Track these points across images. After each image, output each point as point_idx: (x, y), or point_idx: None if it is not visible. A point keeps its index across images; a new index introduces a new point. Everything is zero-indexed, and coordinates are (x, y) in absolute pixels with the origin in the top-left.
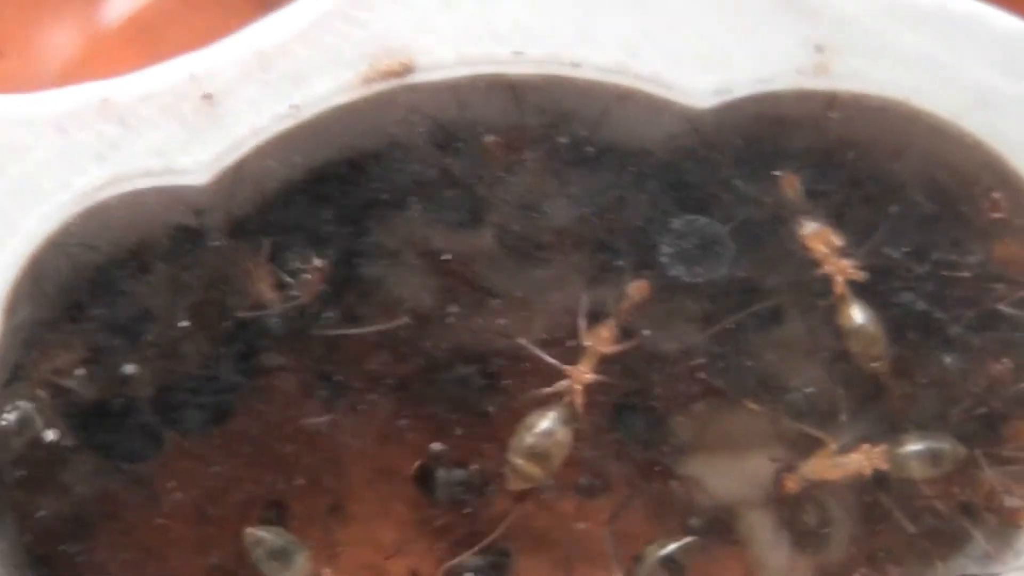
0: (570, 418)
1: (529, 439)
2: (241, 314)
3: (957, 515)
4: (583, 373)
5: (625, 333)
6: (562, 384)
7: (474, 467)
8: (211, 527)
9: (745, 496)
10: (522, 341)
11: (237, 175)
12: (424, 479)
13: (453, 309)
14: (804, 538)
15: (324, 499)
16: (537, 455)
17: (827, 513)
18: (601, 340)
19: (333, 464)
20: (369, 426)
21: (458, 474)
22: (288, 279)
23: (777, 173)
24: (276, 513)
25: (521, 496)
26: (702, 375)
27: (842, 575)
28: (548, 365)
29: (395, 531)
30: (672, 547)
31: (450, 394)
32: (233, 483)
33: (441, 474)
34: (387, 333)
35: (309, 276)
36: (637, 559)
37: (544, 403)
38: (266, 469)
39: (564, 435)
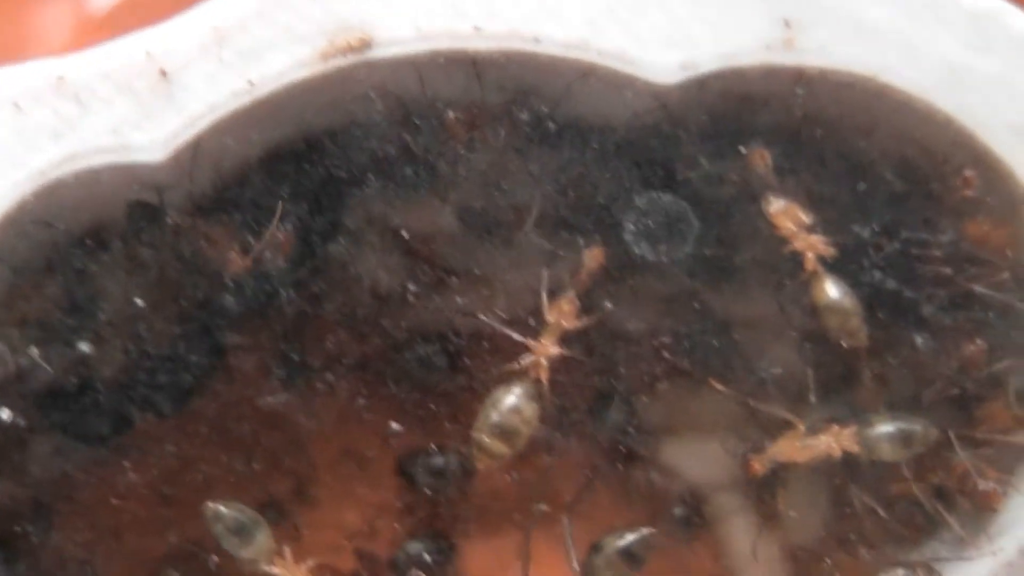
0: (536, 394)
1: (495, 416)
2: (208, 288)
3: (930, 499)
4: (547, 347)
5: (588, 310)
6: (527, 359)
7: (453, 455)
8: (170, 508)
9: (713, 479)
10: (485, 317)
11: (194, 152)
12: (405, 468)
13: (413, 287)
14: (773, 521)
15: (287, 481)
16: (504, 432)
17: (797, 496)
18: (563, 313)
19: (295, 446)
20: (330, 407)
21: (438, 461)
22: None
23: (744, 149)
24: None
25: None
26: (667, 354)
27: (812, 559)
28: (511, 343)
29: (359, 513)
30: (631, 538)
31: (411, 373)
32: (192, 464)
33: (421, 462)
34: (346, 312)
35: (280, 236)
36: (596, 549)
37: (509, 380)
38: (225, 450)
39: (531, 411)
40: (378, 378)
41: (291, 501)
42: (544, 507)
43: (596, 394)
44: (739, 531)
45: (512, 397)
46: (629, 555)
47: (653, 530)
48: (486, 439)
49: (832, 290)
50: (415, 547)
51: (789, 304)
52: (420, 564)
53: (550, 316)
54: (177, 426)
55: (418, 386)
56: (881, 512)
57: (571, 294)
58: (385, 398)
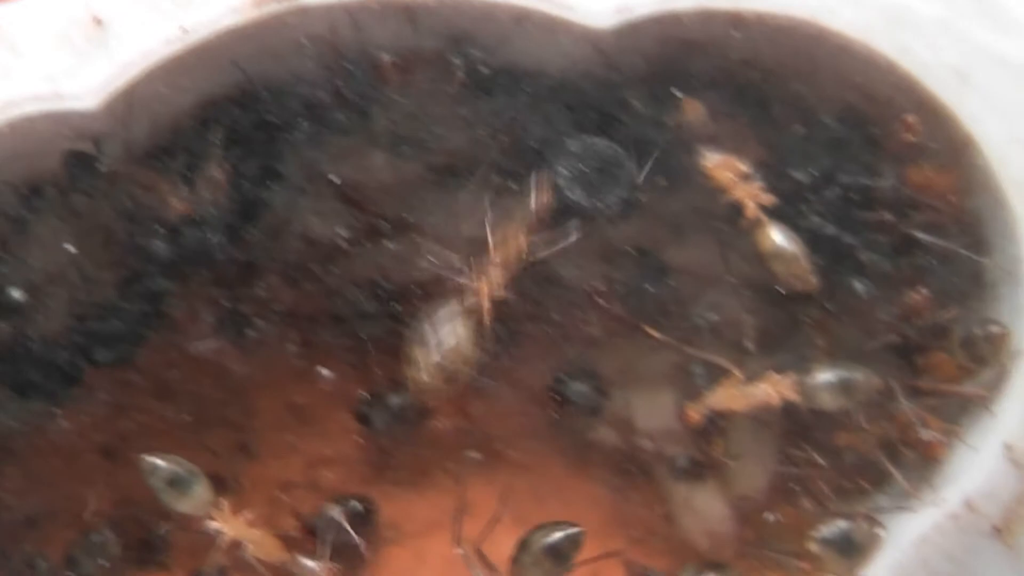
0: (477, 332)
1: (435, 352)
2: (144, 235)
3: (875, 450)
4: (489, 285)
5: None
6: (468, 298)
7: (402, 399)
8: (109, 460)
9: (658, 431)
10: (420, 262)
11: (128, 100)
12: (363, 413)
13: (345, 233)
14: (718, 474)
15: (228, 434)
16: (443, 368)
17: (741, 447)
18: (508, 252)
19: (235, 397)
20: (266, 356)
21: (394, 402)
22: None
23: (679, 93)
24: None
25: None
26: (601, 301)
27: (757, 511)
28: (445, 290)
29: (300, 466)
30: (558, 536)
31: (345, 320)
32: (130, 416)
33: (376, 406)
34: (280, 258)
35: (216, 175)
36: (522, 546)
37: (450, 314)
38: (164, 402)
39: (470, 349)
40: (312, 325)
41: (232, 455)
42: (475, 455)
43: (531, 341)
44: (687, 484)
45: (452, 335)
46: (556, 552)
47: (580, 528)
48: (425, 376)
49: (776, 236)
50: (333, 511)
51: (728, 250)
52: (340, 526)
53: (495, 255)
54: (115, 377)
55: (352, 333)
56: (824, 463)
57: (519, 234)
58: (319, 345)
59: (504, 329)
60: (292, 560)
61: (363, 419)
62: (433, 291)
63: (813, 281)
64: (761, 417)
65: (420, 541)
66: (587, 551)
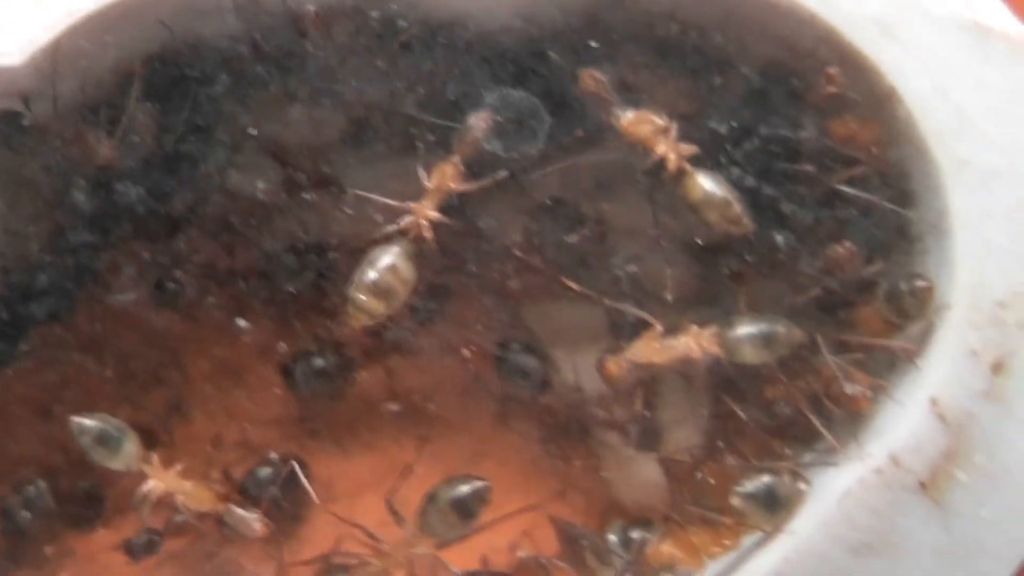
0: (414, 255)
1: (372, 273)
2: (71, 191)
3: (800, 406)
4: (426, 209)
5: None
6: (405, 220)
7: (333, 355)
8: (42, 419)
9: (587, 387)
10: (355, 191)
11: (53, 56)
12: (288, 370)
13: (265, 187)
14: (646, 431)
15: (162, 392)
16: (380, 290)
17: (673, 405)
18: (444, 176)
19: (170, 356)
20: (193, 312)
21: (317, 363)
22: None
23: (595, 44)
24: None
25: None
26: (518, 252)
27: (686, 470)
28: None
29: (232, 424)
30: (464, 490)
31: (266, 273)
32: (61, 373)
33: (301, 365)
34: (200, 212)
35: (139, 130)
36: (430, 499)
37: (386, 241)
38: (99, 361)
39: (408, 271)
40: (235, 279)
41: (165, 413)
42: (394, 406)
43: (454, 296)
44: (617, 443)
45: (389, 256)
46: (461, 506)
47: (487, 483)
48: (362, 296)
49: (705, 183)
50: (264, 472)
51: (651, 203)
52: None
53: (431, 181)
54: (48, 335)
55: (275, 288)
56: (750, 419)
57: (455, 158)
58: (242, 300)
59: (427, 284)
60: (227, 510)
61: (289, 376)
62: (353, 244)
63: (748, 223)
64: (689, 373)
65: (352, 499)
66: (514, 507)
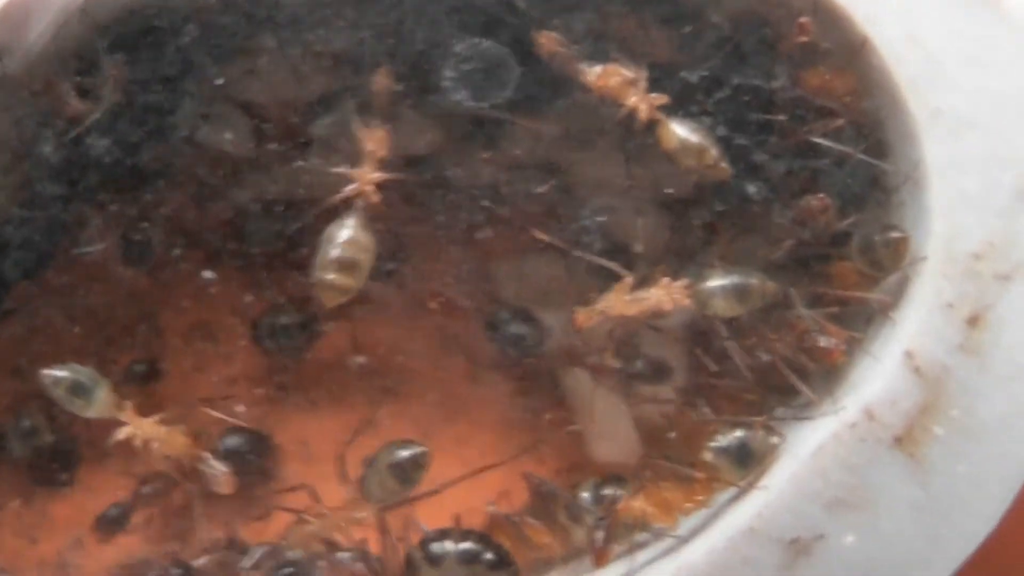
0: (368, 221)
1: (334, 251)
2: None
3: (774, 359)
4: (368, 173)
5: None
6: (350, 188)
7: (298, 311)
8: (16, 380)
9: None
10: (299, 164)
11: (24, 6)
12: (259, 330)
13: (229, 136)
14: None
15: (136, 352)
16: (345, 265)
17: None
18: (375, 140)
19: (144, 315)
20: (163, 271)
21: (283, 319)
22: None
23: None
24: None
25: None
26: (487, 203)
27: (659, 426)
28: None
29: (210, 385)
30: (402, 455)
31: (239, 231)
32: (36, 332)
33: (267, 321)
34: (164, 161)
35: (107, 81)
36: (368, 464)
37: (339, 215)
38: (74, 321)
39: (367, 239)
40: (203, 235)
41: (139, 372)
42: (361, 359)
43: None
44: (592, 396)
45: (346, 229)
46: (399, 471)
47: (425, 449)
48: (330, 276)
49: (680, 131)
50: (232, 440)
51: (623, 155)
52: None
53: (364, 146)
54: (23, 293)
55: (242, 238)
56: (723, 372)
57: (376, 121)
58: (212, 257)
59: (392, 236)
60: (200, 458)
61: (259, 336)
62: (322, 196)
63: (727, 168)
64: (662, 327)
65: (324, 461)
66: (487, 462)
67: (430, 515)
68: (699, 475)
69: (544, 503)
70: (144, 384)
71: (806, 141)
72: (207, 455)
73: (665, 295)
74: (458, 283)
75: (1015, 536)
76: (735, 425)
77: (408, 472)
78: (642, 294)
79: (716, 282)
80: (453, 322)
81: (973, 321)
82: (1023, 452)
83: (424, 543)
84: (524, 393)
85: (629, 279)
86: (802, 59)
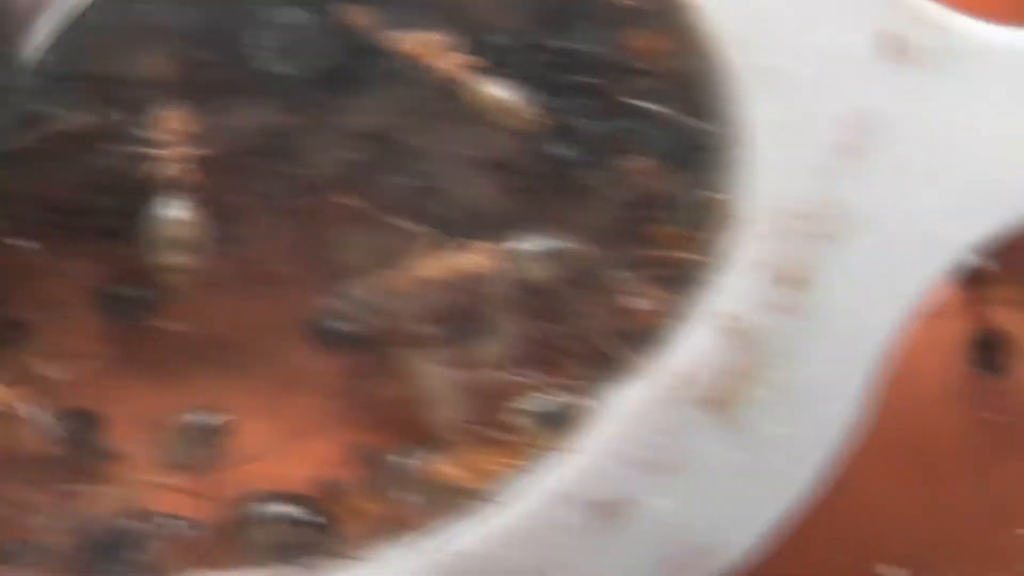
0: (187, 196)
1: (162, 232)
2: None
3: (591, 322)
4: (173, 150)
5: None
6: (166, 168)
7: (136, 286)
8: None
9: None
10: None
11: None
12: (101, 304)
13: (70, 112)
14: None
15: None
16: (177, 245)
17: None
18: (172, 120)
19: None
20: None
21: (122, 292)
22: None
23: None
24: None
25: None
26: (311, 172)
27: (482, 393)
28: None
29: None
30: (200, 420)
31: (78, 207)
32: None
33: (105, 296)
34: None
35: None
36: (169, 429)
37: (159, 196)
38: None
39: (191, 214)
40: (39, 207)
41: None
42: (198, 332)
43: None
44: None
45: (168, 209)
46: (200, 438)
47: (224, 415)
48: (163, 258)
49: (494, 90)
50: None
51: (437, 118)
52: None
53: (168, 125)
54: None
55: (83, 214)
56: (540, 334)
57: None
58: (47, 227)
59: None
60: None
61: (97, 308)
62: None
63: (546, 120)
64: (482, 291)
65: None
66: (319, 433)
67: (261, 484)
68: (513, 438)
69: (373, 473)
70: None
71: (627, 103)
72: (34, 408)
73: (484, 259)
74: (293, 255)
75: (831, 501)
76: (548, 387)
77: (208, 439)
78: (458, 258)
79: (531, 245)
80: (290, 293)
81: (796, 283)
82: (843, 415)
83: (249, 505)
84: (360, 364)
85: (445, 244)
86: (621, 20)
